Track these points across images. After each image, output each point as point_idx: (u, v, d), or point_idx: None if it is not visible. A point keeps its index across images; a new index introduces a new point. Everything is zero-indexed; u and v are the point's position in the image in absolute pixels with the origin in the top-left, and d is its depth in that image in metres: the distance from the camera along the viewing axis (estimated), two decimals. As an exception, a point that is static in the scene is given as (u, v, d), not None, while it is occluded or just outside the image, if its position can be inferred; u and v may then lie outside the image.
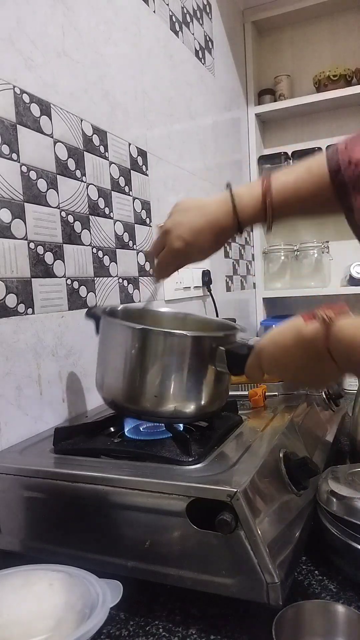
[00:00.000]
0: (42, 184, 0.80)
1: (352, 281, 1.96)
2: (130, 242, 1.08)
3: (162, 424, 0.68)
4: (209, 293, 1.47)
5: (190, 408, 0.64)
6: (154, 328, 0.64)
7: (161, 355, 0.63)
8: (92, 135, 0.94)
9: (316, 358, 0.53)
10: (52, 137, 0.83)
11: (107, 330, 0.69)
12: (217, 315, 1.45)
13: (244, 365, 0.60)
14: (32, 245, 0.78)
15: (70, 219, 0.87)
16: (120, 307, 0.78)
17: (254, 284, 2.10)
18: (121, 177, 1.05)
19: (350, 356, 0.50)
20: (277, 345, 0.56)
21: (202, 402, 0.65)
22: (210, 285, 1.47)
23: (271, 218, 0.65)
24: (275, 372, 0.59)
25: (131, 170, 1.09)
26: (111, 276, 1.00)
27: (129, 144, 1.08)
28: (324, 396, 0.94)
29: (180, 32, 1.38)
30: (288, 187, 0.65)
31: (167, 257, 0.68)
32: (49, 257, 0.81)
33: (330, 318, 0.51)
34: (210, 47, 1.63)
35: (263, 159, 2.09)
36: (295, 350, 0.54)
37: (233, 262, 1.80)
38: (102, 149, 0.98)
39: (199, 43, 1.53)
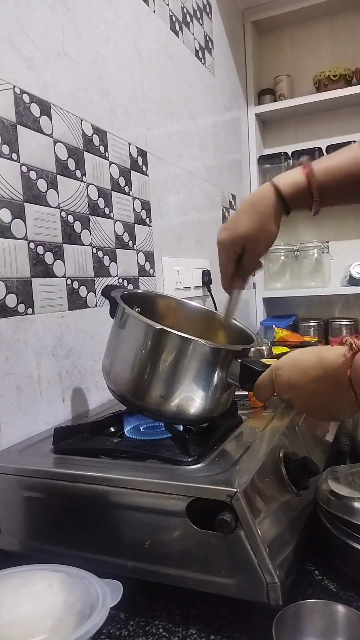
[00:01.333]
0: (42, 184, 0.80)
1: (352, 281, 1.96)
2: (130, 242, 1.08)
3: (162, 424, 0.68)
4: (209, 293, 1.47)
5: (193, 412, 0.64)
6: (172, 331, 0.61)
7: (174, 359, 0.62)
8: (92, 135, 0.94)
9: (334, 384, 0.50)
10: (52, 137, 0.83)
11: (123, 319, 0.67)
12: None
13: (253, 381, 0.59)
14: (32, 245, 0.78)
15: (70, 219, 0.87)
16: (142, 292, 0.75)
17: (254, 283, 2.10)
18: (121, 177, 1.05)
19: None
20: (295, 365, 0.54)
21: (206, 408, 0.64)
22: (210, 285, 1.47)
23: (318, 198, 0.67)
24: (286, 394, 0.56)
25: (131, 170, 1.09)
26: (111, 276, 1.00)
27: (129, 144, 1.08)
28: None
29: (180, 32, 1.38)
30: (331, 171, 0.67)
31: (220, 249, 0.71)
32: (49, 257, 0.81)
33: (358, 346, 0.49)
34: (210, 47, 1.63)
35: (263, 159, 2.09)
36: (313, 373, 0.52)
37: (233, 262, 1.80)
38: (102, 149, 0.98)
39: (199, 43, 1.53)
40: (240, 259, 0.71)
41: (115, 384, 0.67)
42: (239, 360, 0.62)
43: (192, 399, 0.63)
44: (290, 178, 0.68)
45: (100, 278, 0.96)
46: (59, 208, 0.84)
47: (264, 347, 1.06)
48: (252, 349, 0.67)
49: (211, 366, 0.62)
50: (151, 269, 1.17)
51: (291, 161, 2.07)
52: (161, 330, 0.62)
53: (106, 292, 0.72)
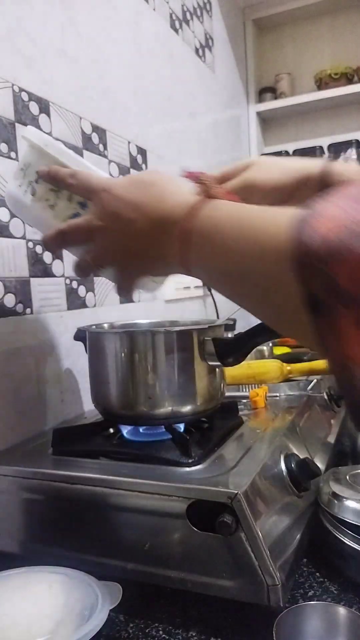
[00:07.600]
0: (41, 183, 0.80)
1: (353, 280, 1.96)
2: (130, 241, 1.07)
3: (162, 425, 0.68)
4: (209, 293, 1.47)
5: (187, 406, 0.64)
6: (138, 329, 0.64)
7: (149, 355, 0.63)
8: (91, 133, 0.94)
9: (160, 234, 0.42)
10: (51, 136, 0.82)
11: (94, 344, 0.69)
12: (217, 316, 1.44)
13: (233, 353, 0.61)
14: (30, 244, 0.77)
15: (70, 218, 0.87)
16: (106, 324, 0.78)
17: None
18: (121, 175, 1.04)
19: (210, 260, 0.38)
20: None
21: (198, 398, 0.64)
22: (211, 285, 1.47)
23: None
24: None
25: (131, 169, 1.08)
26: (111, 275, 0.99)
27: (129, 143, 1.08)
28: (326, 397, 0.94)
29: (180, 29, 1.37)
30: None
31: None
32: (47, 257, 0.81)
33: (211, 194, 0.40)
34: (211, 45, 1.63)
35: (264, 158, 2.09)
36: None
37: (233, 261, 1.79)
38: (101, 147, 0.97)
39: (199, 41, 1.52)
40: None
41: (104, 404, 0.68)
42: (209, 338, 0.64)
43: (180, 391, 0.63)
44: None
45: (100, 278, 0.95)
46: (58, 207, 0.84)
47: (264, 347, 1.06)
48: (223, 328, 0.69)
49: (186, 352, 0.63)
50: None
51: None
52: (128, 332, 0.66)
53: (77, 335, 0.77)
